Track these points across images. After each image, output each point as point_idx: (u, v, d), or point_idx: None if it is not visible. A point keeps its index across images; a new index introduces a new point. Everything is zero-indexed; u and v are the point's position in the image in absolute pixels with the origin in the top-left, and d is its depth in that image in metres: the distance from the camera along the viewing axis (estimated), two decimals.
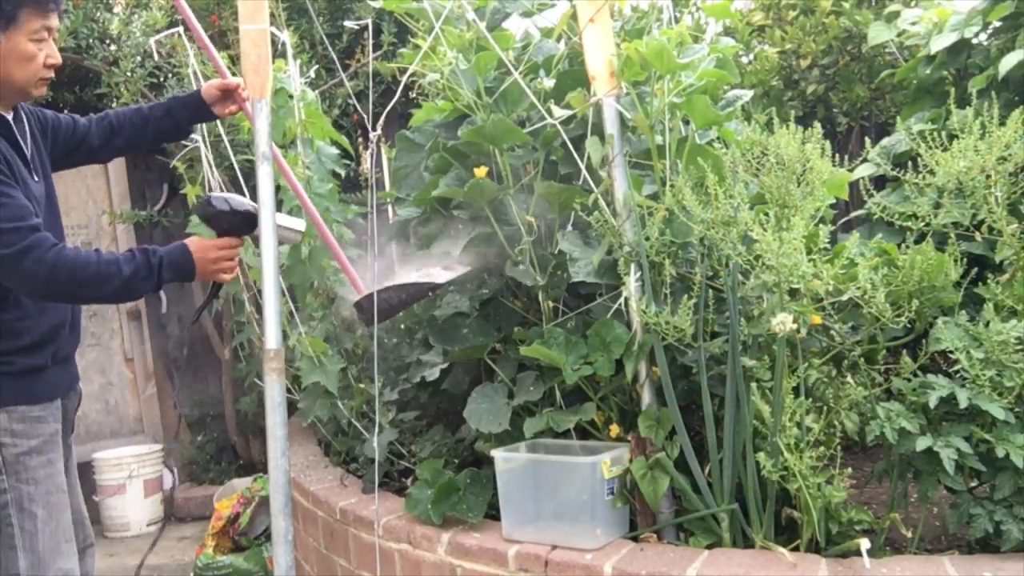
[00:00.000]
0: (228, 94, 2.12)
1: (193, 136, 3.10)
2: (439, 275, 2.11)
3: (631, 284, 1.92)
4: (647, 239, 1.91)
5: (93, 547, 2.08)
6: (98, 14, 4.49)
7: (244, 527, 3.47)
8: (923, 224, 1.90)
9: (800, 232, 1.63)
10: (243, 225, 1.91)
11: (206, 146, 3.00)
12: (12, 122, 1.81)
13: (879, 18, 3.12)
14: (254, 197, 1.96)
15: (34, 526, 1.77)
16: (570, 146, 2.15)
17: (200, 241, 1.87)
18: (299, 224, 2.06)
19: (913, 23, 2.89)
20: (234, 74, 2.18)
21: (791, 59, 3.60)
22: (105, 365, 4.91)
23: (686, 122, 2.14)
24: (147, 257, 1.77)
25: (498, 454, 1.92)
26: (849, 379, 1.80)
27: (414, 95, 2.83)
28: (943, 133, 1.90)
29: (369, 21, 3.10)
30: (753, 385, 1.71)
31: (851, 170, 1.94)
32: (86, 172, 4.85)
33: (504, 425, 2.04)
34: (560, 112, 2.10)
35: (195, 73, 3.10)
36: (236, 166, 3.00)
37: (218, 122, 3.14)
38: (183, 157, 3.86)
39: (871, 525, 1.71)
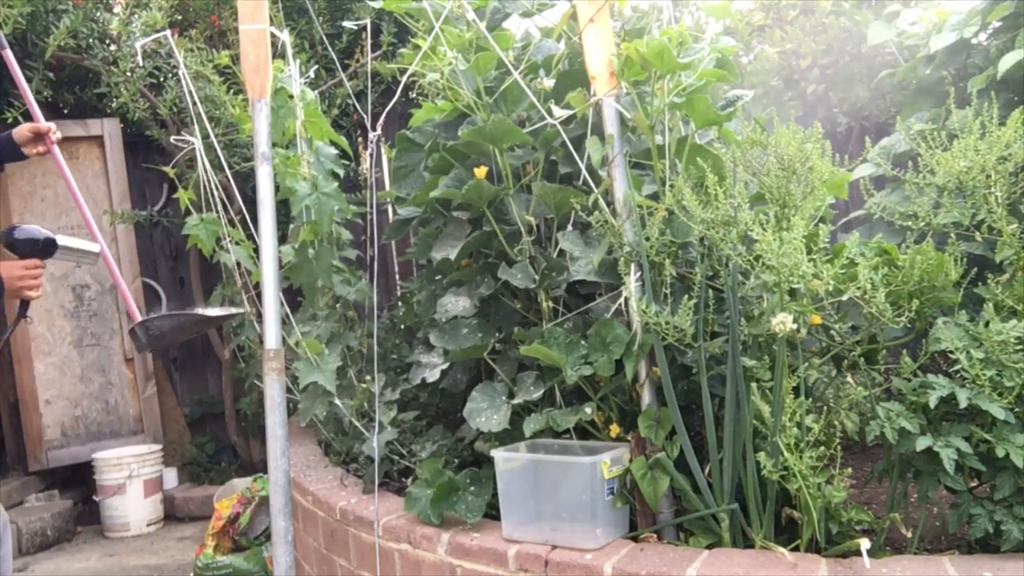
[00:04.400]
0: (39, 136, 2.37)
1: (190, 138, 3.11)
2: (212, 311, 2.42)
3: (631, 284, 1.92)
4: (647, 239, 1.91)
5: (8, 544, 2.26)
6: (98, 14, 4.49)
7: (244, 527, 3.47)
8: (923, 224, 1.90)
9: (800, 232, 1.63)
10: (43, 250, 2.16)
11: (201, 148, 3.00)
12: None
13: (879, 18, 3.12)
14: (254, 196, 2.02)
15: None
16: (570, 146, 2.15)
17: (8, 264, 2.12)
18: (93, 247, 2.33)
19: (913, 23, 2.89)
20: (234, 74, 2.23)
21: (791, 59, 3.60)
22: (105, 365, 4.91)
23: (686, 122, 2.14)
24: None
25: (498, 454, 1.92)
26: (849, 379, 1.80)
27: (414, 95, 2.83)
28: (943, 133, 1.90)
29: (368, 21, 3.10)
30: (753, 385, 1.71)
31: (851, 170, 1.94)
32: (86, 172, 4.85)
33: (503, 424, 2.04)
34: (560, 112, 2.10)
35: (187, 76, 3.15)
36: (227, 168, 3.02)
37: (210, 126, 3.26)
38: (180, 160, 3.86)
39: (871, 525, 1.71)
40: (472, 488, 2.03)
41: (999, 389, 1.58)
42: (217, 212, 3.07)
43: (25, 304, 2.20)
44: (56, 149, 2.38)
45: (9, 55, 2.46)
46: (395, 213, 2.97)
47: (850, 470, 1.70)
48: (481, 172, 2.17)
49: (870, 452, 2.48)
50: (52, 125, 2.36)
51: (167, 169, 3.62)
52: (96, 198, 4.90)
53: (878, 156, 2.22)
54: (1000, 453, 1.54)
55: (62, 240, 2.20)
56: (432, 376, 2.38)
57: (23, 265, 2.12)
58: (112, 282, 4.86)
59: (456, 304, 2.33)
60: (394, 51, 4.55)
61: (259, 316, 2.68)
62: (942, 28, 2.66)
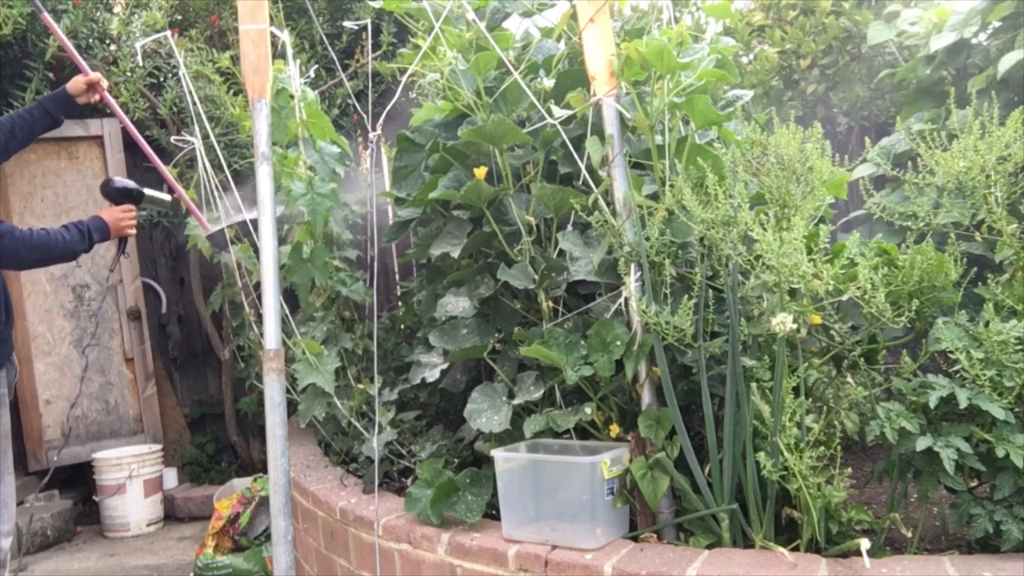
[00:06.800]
0: (91, 86, 2.66)
1: (190, 138, 3.13)
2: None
3: (631, 284, 1.92)
4: (647, 239, 1.91)
5: (11, 536, 2.64)
6: (98, 14, 4.49)
7: (244, 527, 3.47)
8: (923, 224, 1.90)
9: (800, 232, 1.63)
10: (136, 197, 2.75)
11: (202, 149, 3.01)
12: None
13: (879, 18, 3.12)
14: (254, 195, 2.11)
15: None
16: (570, 146, 2.15)
17: (108, 210, 2.70)
18: (167, 196, 2.91)
19: (913, 23, 2.89)
20: (234, 74, 2.27)
21: (791, 59, 3.60)
22: (105, 365, 4.91)
23: (686, 122, 2.14)
24: (78, 227, 2.58)
25: (498, 454, 1.92)
26: (849, 379, 1.80)
27: (414, 95, 2.83)
28: (943, 133, 1.90)
29: (368, 21, 3.10)
30: (753, 385, 1.71)
31: (851, 170, 1.94)
32: (86, 172, 4.85)
33: (504, 425, 2.04)
34: (560, 112, 2.10)
35: (187, 76, 3.20)
36: (226, 167, 3.04)
37: (210, 126, 3.45)
38: (181, 160, 3.87)
39: (871, 525, 1.71)
40: (472, 488, 2.03)
41: (999, 389, 1.58)
42: (216, 212, 3.07)
43: (124, 241, 2.76)
44: (107, 94, 2.73)
45: (47, 17, 2.71)
46: (395, 213, 2.97)
47: (850, 470, 1.70)
48: (481, 172, 2.17)
49: (870, 452, 2.48)
50: (99, 75, 2.68)
51: (170, 168, 3.63)
52: (96, 198, 4.89)
53: (878, 156, 2.22)
54: (1000, 453, 1.54)
55: (147, 191, 2.78)
56: (432, 376, 2.38)
57: (121, 209, 2.68)
58: (112, 281, 4.86)
59: (456, 304, 2.33)
60: (394, 51, 4.55)
61: (259, 316, 2.70)
62: (942, 28, 2.67)
